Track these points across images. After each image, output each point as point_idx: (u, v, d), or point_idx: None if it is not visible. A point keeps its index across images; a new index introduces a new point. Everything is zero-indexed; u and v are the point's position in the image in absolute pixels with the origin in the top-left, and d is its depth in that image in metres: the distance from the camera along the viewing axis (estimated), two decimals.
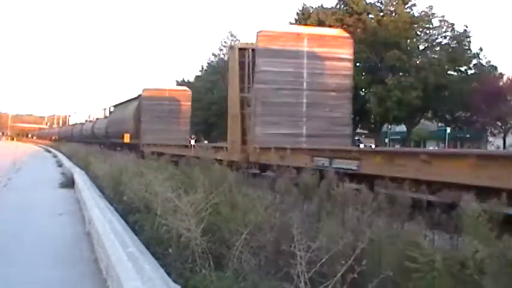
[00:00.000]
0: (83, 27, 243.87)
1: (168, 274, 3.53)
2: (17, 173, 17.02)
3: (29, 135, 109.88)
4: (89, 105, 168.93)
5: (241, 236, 3.68)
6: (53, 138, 71.84)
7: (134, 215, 5.87)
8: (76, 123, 63.90)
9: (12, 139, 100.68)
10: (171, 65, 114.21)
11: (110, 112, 39.54)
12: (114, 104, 38.34)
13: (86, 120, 58.30)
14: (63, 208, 8.89)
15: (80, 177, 11.64)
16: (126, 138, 28.44)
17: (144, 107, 26.75)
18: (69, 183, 12.33)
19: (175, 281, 3.36)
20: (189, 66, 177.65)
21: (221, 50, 49.09)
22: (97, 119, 48.84)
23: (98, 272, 4.71)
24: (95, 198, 7.64)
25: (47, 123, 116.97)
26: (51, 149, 37.92)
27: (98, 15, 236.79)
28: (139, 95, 27.73)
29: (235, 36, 49.21)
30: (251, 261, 3.61)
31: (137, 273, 3.33)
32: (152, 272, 3.38)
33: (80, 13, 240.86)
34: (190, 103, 28.12)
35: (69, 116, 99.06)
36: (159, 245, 4.36)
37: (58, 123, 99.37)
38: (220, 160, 9.29)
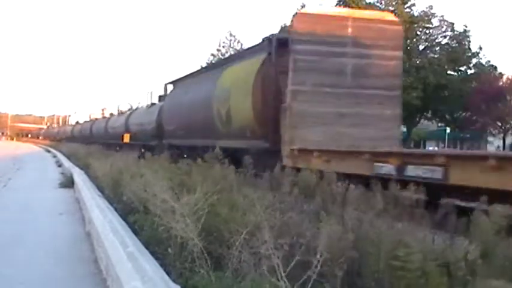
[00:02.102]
0: (82, 28, 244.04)
1: (168, 274, 3.53)
2: (17, 172, 17.03)
3: (29, 135, 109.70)
4: (88, 105, 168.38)
5: (240, 236, 3.68)
6: (64, 138, 56.60)
7: (134, 215, 5.87)
8: (96, 119, 46.57)
9: (12, 139, 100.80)
10: (170, 66, 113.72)
11: (161, 96, 22.57)
12: (172, 80, 20.79)
13: (111, 114, 41.15)
14: (63, 208, 8.90)
15: (80, 177, 11.63)
16: (126, 138, 23.78)
17: (298, 58, 10.83)
18: (68, 183, 12.34)
19: (175, 281, 3.36)
20: (188, 67, 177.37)
21: (219, 50, 48.87)
22: (130, 110, 31.95)
23: (98, 272, 4.71)
24: (94, 198, 7.64)
25: (46, 123, 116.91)
26: (51, 149, 37.87)
27: (96, 16, 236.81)
28: (273, 38, 11.71)
29: (234, 36, 49.11)
30: (250, 261, 3.60)
31: (137, 273, 3.33)
32: (152, 271, 3.37)
33: (79, 14, 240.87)
34: (401, 52, 12.19)
35: (69, 116, 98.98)
36: (158, 245, 4.35)
37: (58, 123, 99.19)
38: None
